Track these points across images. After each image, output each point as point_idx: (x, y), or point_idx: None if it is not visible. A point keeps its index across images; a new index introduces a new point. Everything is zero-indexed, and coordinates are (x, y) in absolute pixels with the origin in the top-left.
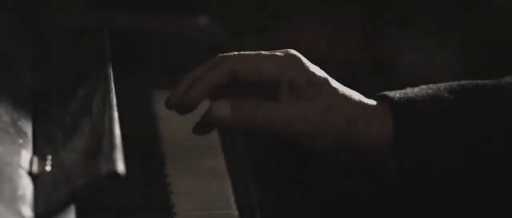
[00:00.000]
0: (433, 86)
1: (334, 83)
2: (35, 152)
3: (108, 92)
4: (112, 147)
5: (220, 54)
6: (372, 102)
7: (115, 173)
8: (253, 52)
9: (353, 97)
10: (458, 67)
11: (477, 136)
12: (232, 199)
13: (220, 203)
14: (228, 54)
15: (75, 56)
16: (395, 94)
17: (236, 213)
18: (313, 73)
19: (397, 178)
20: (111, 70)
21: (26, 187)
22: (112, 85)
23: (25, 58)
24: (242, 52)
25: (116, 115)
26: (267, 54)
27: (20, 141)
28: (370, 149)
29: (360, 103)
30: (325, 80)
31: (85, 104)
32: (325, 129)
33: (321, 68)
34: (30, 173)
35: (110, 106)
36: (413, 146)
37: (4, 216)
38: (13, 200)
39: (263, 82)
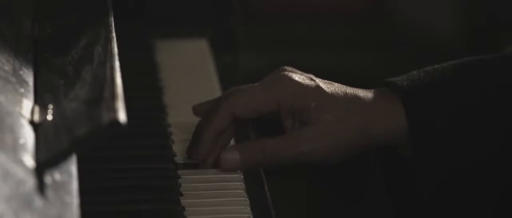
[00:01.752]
0: (438, 68)
1: (335, 90)
2: (36, 101)
3: (109, 41)
4: (113, 96)
5: (220, 97)
6: (379, 96)
7: (116, 122)
8: (248, 89)
9: (358, 98)
10: (455, 13)
11: (489, 114)
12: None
13: None
14: (226, 95)
15: (77, 5)
16: (402, 82)
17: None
18: (311, 94)
19: (412, 161)
20: (113, 19)
21: (28, 136)
22: (114, 34)
23: (26, 6)
24: (238, 92)
25: (117, 64)
26: (262, 90)
27: (22, 90)
28: (385, 143)
29: (367, 102)
30: (325, 94)
31: (86, 53)
32: (338, 146)
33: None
34: (32, 122)
35: (112, 55)
36: (428, 135)
37: (5, 165)
38: (14, 149)
39: (264, 117)
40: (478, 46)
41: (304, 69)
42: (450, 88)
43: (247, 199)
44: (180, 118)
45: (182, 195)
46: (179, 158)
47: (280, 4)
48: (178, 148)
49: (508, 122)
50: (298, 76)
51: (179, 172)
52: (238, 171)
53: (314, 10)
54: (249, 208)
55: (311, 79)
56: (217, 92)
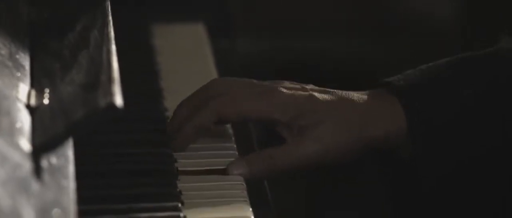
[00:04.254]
0: (432, 66)
1: (329, 96)
2: (33, 85)
3: (106, 25)
4: (110, 80)
5: (206, 89)
6: (375, 97)
7: (113, 106)
8: (239, 94)
9: (353, 101)
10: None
11: (486, 110)
12: (230, 131)
13: (217, 133)
14: (215, 94)
15: None
16: (399, 82)
17: (234, 143)
18: (304, 103)
19: (412, 163)
20: (109, 3)
21: (24, 120)
22: (110, 18)
23: None
24: (228, 95)
25: (114, 47)
26: (253, 99)
27: (18, 74)
28: (385, 144)
29: (363, 105)
30: (318, 101)
31: (83, 37)
32: (339, 148)
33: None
34: (28, 106)
35: (108, 39)
36: (427, 134)
37: (2, 148)
38: (11, 133)
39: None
40: (477, 33)
41: (301, 53)
42: (447, 86)
43: (243, 184)
44: (177, 102)
45: (179, 179)
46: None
47: None
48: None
49: (506, 117)
50: (290, 88)
51: (176, 155)
52: (234, 154)
53: None
54: (246, 192)
55: (304, 89)
56: (213, 76)
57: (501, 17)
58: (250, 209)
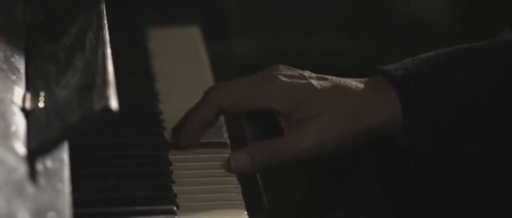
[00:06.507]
0: (431, 56)
1: (326, 84)
2: (28, 88)
3: (101, 28)
4: (105, 83)
5: (208, 90)
6: (373, 85)
7: (108, 109)
8: (237, 85)
9: (350, 89)
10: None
11: (483, 101)
12: (225, 133)
13: (213, 132)
14: (214, 87)
15: None
16: (397, 71)
17: (228, 142)
18: (302, 92)
19: (408, 150)
20: (104, 6)
21: (19, 123)
22: (105, 21)
23: None
24: (227, 86)
25: (109, 51)
26: (251, 87)
27: (13, 77)
28: (382, 132)
29: (360, 93)
30: (316, 90)
31: (78, 40)
32: (338, 138)
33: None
34: (23, 109)
35: (103, 43)
36: (423, 124)
37: None
38: (6, 136)
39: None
40: (477, 33)
41: (300, 54)
42: (444, 76)
43: (239, 187)
44: (172, 105)
45: (174, 182)
46: (172, 144)
47: None
48: (170, 135)
49: (504, 108)
50: (288, 76)
51: (171, 158)
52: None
53: None
54: (241, 195)
55: (303, 76)
56: (208, 79)
57: (501, 18)
58: (245, 212)
